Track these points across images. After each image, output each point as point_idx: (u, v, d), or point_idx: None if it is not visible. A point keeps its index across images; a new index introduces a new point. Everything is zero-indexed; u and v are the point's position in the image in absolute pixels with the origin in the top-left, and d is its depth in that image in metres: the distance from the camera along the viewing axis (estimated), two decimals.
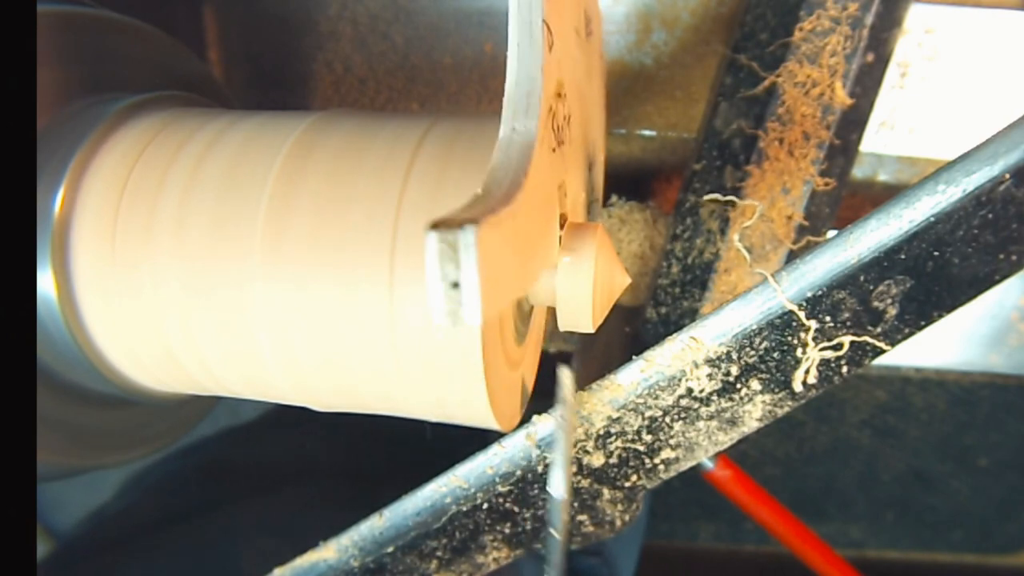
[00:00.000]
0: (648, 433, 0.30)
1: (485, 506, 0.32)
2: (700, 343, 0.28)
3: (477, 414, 0.29)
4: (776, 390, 0.28)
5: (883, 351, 0.27)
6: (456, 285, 0.17)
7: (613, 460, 0.31)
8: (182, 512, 0.53)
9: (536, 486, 0.31)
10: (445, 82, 0.52)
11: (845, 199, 0.42)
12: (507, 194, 0.20)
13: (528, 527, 0.33)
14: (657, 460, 0.31)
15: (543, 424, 0.30)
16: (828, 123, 0.38)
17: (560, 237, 0.27)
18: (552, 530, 0.30)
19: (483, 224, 0.17)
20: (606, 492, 0.32)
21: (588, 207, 0.36)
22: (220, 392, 0.34)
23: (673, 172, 0.54)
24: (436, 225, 0.17)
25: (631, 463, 0.31)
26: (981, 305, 0.57)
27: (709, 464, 0.54)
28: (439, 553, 0.33)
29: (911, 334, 0.27)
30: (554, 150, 0.26)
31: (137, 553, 0.49)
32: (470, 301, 0.17)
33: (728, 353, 0.28)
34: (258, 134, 0.31)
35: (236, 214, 0.29)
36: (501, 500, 0.32)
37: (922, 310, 0.27)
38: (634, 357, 0.29)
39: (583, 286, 0.27)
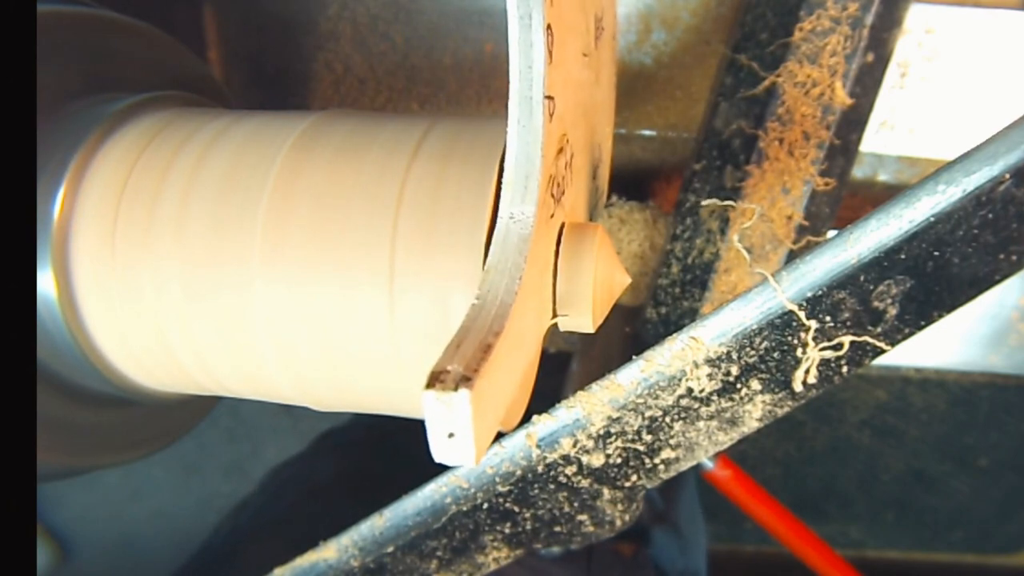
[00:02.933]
0: (648, 433, 0.30)
1: (485, 506, 0.32)
2: (700, 343, 0.28)
3: None
4: (776, 390, 0.28)
5: (883, 351, 0.27)
6: (452, 435, 0.19)
7: (613, 460, 0.31)
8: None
9: (536, 486, 0.31)
10: (445, 82, 0.52)
11: (845, 199, 0.42)
12: (500, 310, 0.21)
13: (528, 527, 0.33)
14: (657, 460, 0.31)
15: (543, 424, 0.30)
16: (828, 123, 0.38)
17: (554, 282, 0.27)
18: None
19: (476, 382, 0.18)
20: (606, 492, 0.32)
21: (591, 211, 0.35)
22: (220, 392, 0.34)
23: (673, 172, 0.54)
24: (431, 383, 0.18)
25: (631, 463, 0.31)
26: (981, 305, 0.57)
27: (709, 464, 0.54)
28: (439, 553, 0.33)
29: (911, 334, 0.27)
30: (552, 216, 0.26)
31: None
32: (466, 450, 0.19)
33: (728, 353, 0.28)
34: (258, 134, 0.31)
35: (236, 214, 0.29)
36: (501, 500, 0.32)
37: (922, 310, 0.27)
38: (634, 357, 0.29)
39: (583, 286, 0.27)
